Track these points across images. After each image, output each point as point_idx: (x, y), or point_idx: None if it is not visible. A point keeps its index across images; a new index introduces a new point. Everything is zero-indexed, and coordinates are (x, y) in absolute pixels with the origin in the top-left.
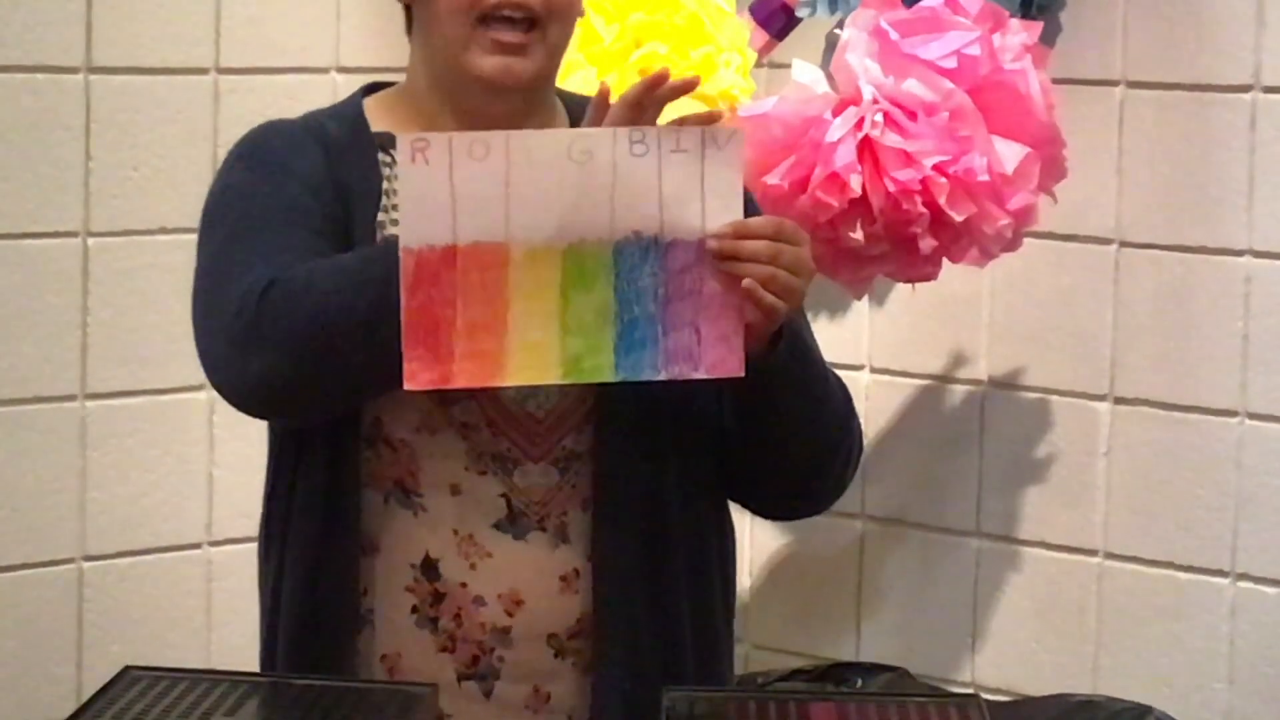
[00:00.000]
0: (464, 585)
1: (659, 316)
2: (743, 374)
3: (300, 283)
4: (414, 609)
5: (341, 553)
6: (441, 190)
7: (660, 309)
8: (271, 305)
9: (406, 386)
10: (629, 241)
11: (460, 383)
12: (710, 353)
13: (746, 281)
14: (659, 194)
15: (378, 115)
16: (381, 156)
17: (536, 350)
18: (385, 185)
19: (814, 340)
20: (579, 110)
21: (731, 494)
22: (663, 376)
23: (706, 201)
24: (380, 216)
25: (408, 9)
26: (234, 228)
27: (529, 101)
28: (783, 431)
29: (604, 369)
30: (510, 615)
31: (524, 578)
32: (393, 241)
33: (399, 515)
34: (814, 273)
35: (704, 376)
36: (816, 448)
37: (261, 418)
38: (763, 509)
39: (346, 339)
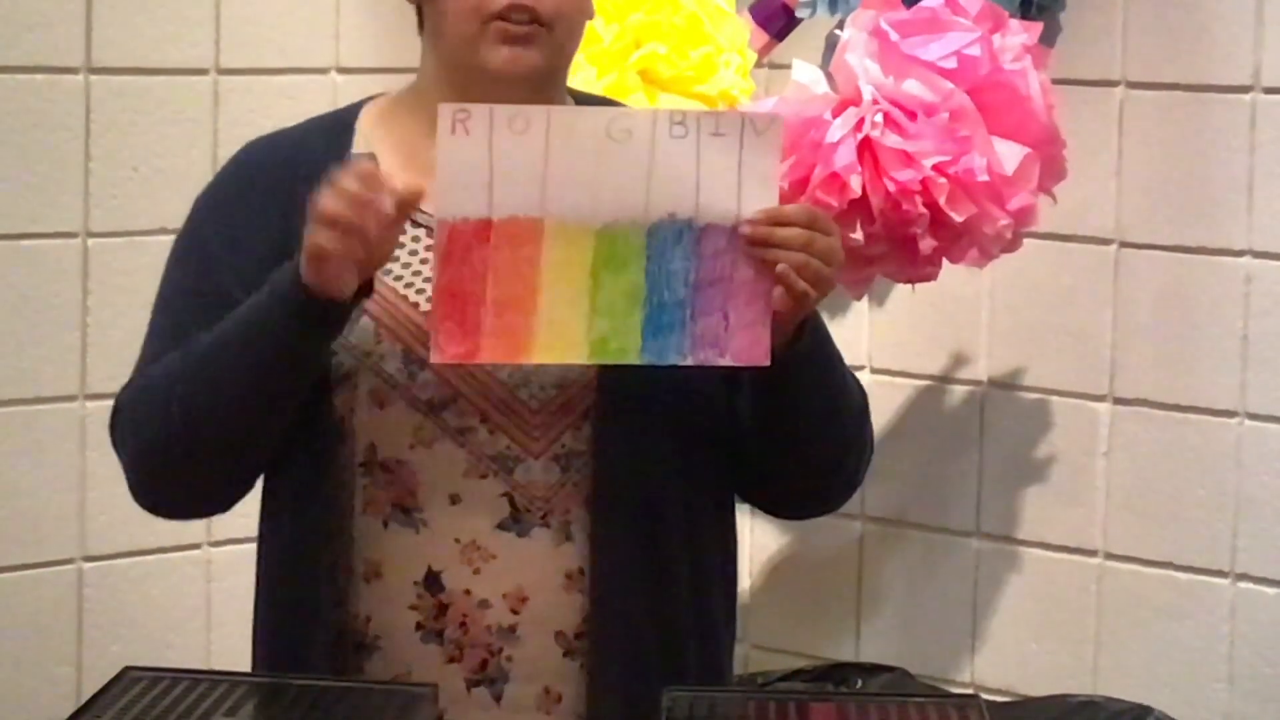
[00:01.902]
0: (467, 592)
1: (688, 301)
2: (768, 363)
3: (151, 400)
4: (419, 625)
5: (341, 591)
6: (480, 162)
7: (690, 293)
8: (125, 418)
9: (434, 359)
10: (663, 224)
11: (486, 358)
12: (737, 340)
13: (780, 266)
14: (696, 177)
15: (372, 125)
16: None
17: (564, 329)
18: None
19: (831, 337)
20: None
21: (743, 492)
22: (689, 362)
23: (743, 187)
24: None
25: (419, 8)
26: (161, 298)
27: (539, 98)
28: (802, 426)
29: (630, 351)
30: (515, 613)
31: (528, 575)
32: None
33: (399, 535)
34: (844, 263)
35: (729, 364)
36: (834, 444)
37: (174, 517)
38: (775, 507)
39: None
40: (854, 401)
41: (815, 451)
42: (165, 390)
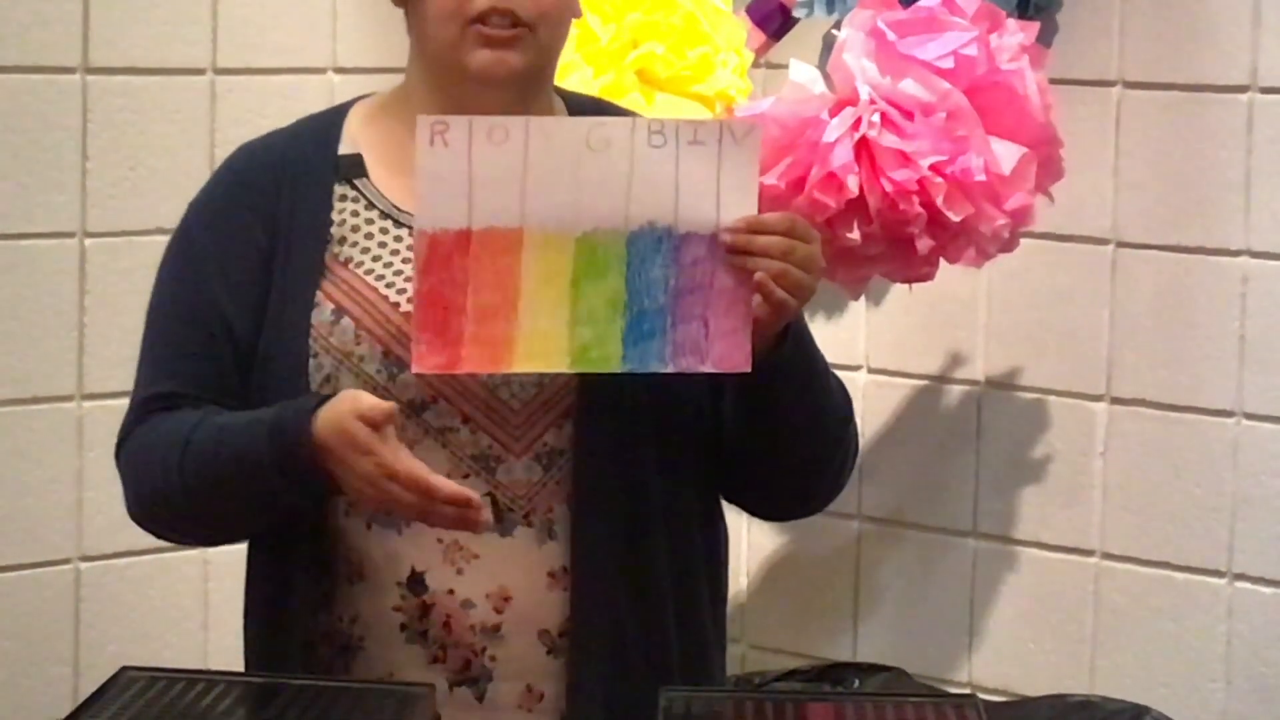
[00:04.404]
0: (451, 591)
1: (668, 309)
2: (749, 370)
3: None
4: (403, 626)
5: (326, 592)
6: (459, 173)
7: (670, 301)
8: (126, 463)
9: (415, 369)
10: (642, 232)
11: (468, 368)
12: (718, 347)
13: (758, 275)
14: (675, 186)
15: (359, 125)
16: (338, 188)
17: (545, 338)
18: (338, 218)
19: (814, 342)
20: (579, 108)
21: (727, 494)
22: (670, 369)
23: (722, 195)
24: (334, 250)
25: (405, 11)
26: (154, 311)
27: (524, 99)
28: (784, 431)
29: (611, 359)
30: (499, 612)
31: (511, 574)
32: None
33: (383, 536)
34: (823, 271)
35: (711, 370)
36: (816, 448)
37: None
38: (759, 509)
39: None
40: (837, 405)
41: (797, 455)
42: (162, 474)
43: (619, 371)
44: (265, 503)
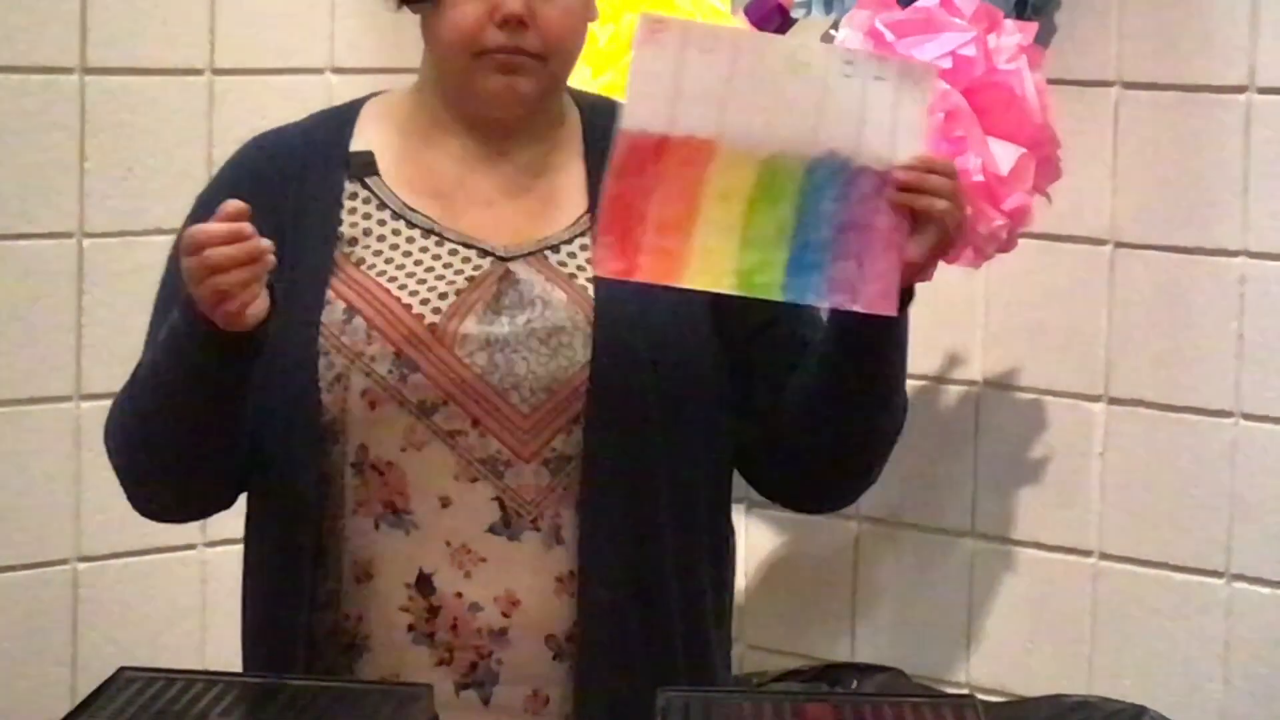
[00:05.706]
0: (459, 595)
1: (831, 243)
2: (895, 314)
3: (115, 420)
4: (410, 627)
5: (332, 591)
6: (667, 76)
7: (834, 236)
8: (106, 435)
9: (596, 271)
10: (823, 161)
11: (643, 276)
12: (869, 288)
13: (941, 204)
14: (859, 117)
15: (372, 121)
16: (349, 186)
17: (716, 257)
18: (348, 217)
19: None
20: (592, 108)
21: (761, 480)
22: (825, 304)
23: (897, 132)
24: (344, 250)
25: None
26: (160, 303)
27: (534, 109)
28: (865, 400)
29: (774, 287)
30: (506, 616)
31: (519, 578)
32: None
33: (390, 536)
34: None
35: (861, 310)
36: (883, 425)
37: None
38: (797, 493)
39: (158, 437)
40: (903, 393)
41: (864, 429)
42: (119, 415)
43: (780, 300)
44: (196, 388)
